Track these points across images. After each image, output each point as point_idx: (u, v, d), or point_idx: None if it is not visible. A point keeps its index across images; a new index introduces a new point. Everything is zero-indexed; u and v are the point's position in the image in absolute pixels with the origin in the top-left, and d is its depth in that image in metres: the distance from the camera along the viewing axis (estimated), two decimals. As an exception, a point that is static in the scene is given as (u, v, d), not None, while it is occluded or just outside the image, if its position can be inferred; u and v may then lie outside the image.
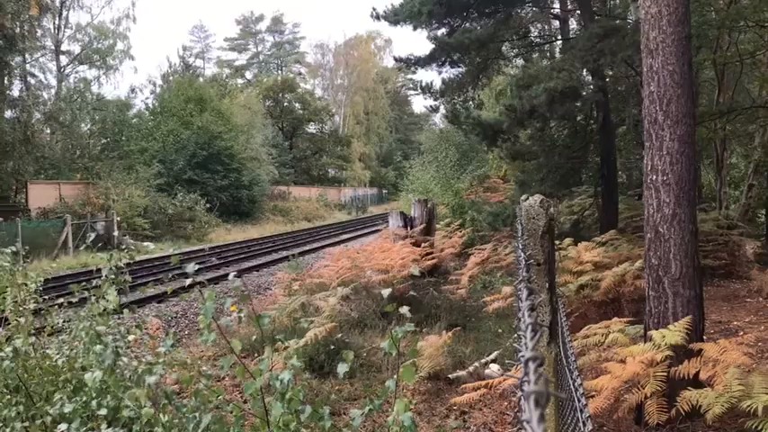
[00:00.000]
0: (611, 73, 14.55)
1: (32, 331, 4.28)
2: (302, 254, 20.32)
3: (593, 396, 4.67)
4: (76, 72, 37.26)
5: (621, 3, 17.36)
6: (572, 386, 2.17)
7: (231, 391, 6.87)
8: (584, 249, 10.18)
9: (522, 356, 0.97)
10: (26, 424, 3.72)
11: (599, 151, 14.75)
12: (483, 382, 5.89)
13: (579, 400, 2.14)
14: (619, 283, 8.59)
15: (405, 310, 2.20)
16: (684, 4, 5.54)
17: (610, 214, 14.08)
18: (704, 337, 5.77)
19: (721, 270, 11.51)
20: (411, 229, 13.79)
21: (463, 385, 6.25)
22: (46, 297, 4.72)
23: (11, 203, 27.71)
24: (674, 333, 4.95)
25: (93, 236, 7.37)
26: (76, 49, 36.96)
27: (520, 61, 20.06)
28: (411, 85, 68.92)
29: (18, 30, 28.16)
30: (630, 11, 16.32)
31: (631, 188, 18.18)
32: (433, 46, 15.24)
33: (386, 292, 2.44)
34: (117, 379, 3.48)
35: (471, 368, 7.15)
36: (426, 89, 16.19)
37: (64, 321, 4.60)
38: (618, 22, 13.74)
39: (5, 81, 30.02)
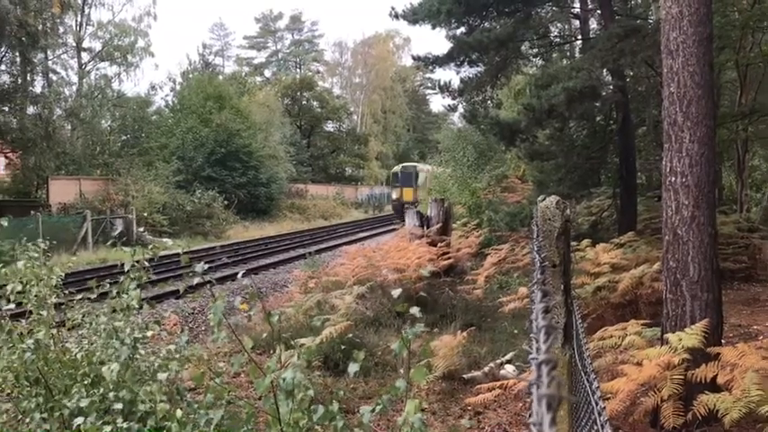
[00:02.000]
0: (631, 73, 14.43)
1: (53, 325, 4.34)
2: (319, 252, 20.37)
3: (608, 398, 4.64)
4: (97, 69, 37.62)
5: (643, 2, 17.21)
6: (588, 389, 2.15)
7: (247, 388, 6.90)
8: (602, 251, 10.11)
9: (535, 359, 0.97)
10: (45, 416, 3.78)
11: (618, 152, 14.63)
12: (498, 383, 5.88)
13: (597, 404, 2.12)
14: (636, 286, 8.52)
15: (415, 310, 2.19)
16: (706, 4, 5.49)
17: (628, 216, 13.97)
18: (723, 341, 5.72)
19: (741, 273, 11.38)
20: (427, 228, 13.78)
21: (478, 386, 6.24)
22: (66, 291, 4.77)
23: (32, 198, 28.07)
24: (691, 336, 4.90)
25: (119, 229, 7.45)
26: (98, 46, 37.31)
27: (539, 61, 19.95)
28: (429, 84, 68.96)
29: (40, 27, 28.49)
30: (652, 10, 16.17)
31: (651, 189, 18.01)
32: (452, 45, 15.20)
33: (396, 292, 2.44)
34: (133, 373, 3.52)
35: (486, 369, 7.13)
36: (444, 88, 16.15)
37: (83, 316, 4.65)
38: (639, 21, 13.62)
39: (28, 78, 30.40)
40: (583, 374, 2.45)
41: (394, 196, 39.51)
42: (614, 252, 10.08)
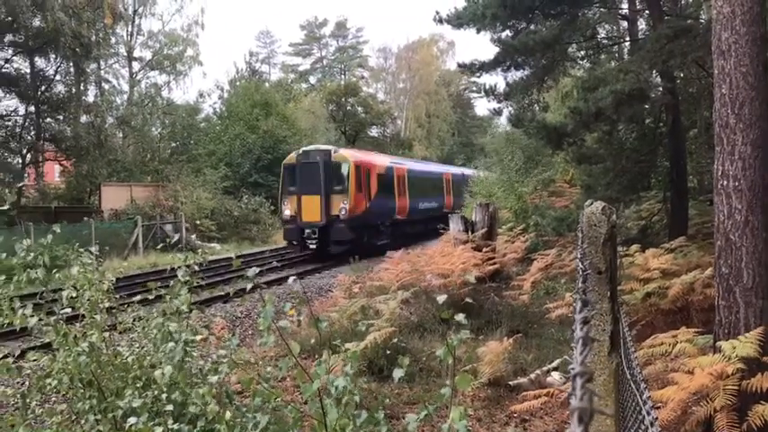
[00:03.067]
0: (681, 75, 14.10)
1: (105, 328, 4.46)
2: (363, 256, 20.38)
3: (658, 407, 4.54)
4: (148, 78, 38.69)
5: (694, 2, 16.81)
6: (639, 399, 2.11)
7: (292, 392, 6.97)
8: (652, 256, 9.89)
9: (572, 369, 0.96)
10: (98, 417, 3.88)
11: (668, 155, 14.31)
12: (544, 390, 5.82)
13: (648, 414, 2.08)
14: (688, 292, 8.31)
15: (461, 317, 2.19)
16: (759, 3, 5.34)
17: (679, 220, 13.63)
18: (779, 350, 5.53)
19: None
20: (472, 233, 13.68)
21: (524, 393, 6.17)
22: (117, 296, 4.90)
23: (85, 205, 28.91)
24: (745, 344, 4.76)
25: (176, 237, 7.60)
26: (148, 55, 38.34)
27: (586, 63, 19.66)
28: (474, 88, 68.49)
29: (93, 37, 29.37)
30: (703, 10, 15.78)
31: (702, 193, 17.54)
32: (498, 50, 15.09)
33: (441, 298, 2.44)
34: (185, 376, 3.59)
35: (532, 375, 7.05)
36: (490, 92, 16.03)
37: (134, 320, 4.77)
38: (689, 21, 13.30)
39: (81, 87, 31.37)
40: (632, 383, 2.40)
41: (287, 213, 21.97)
42: (664, 257, 9.85)
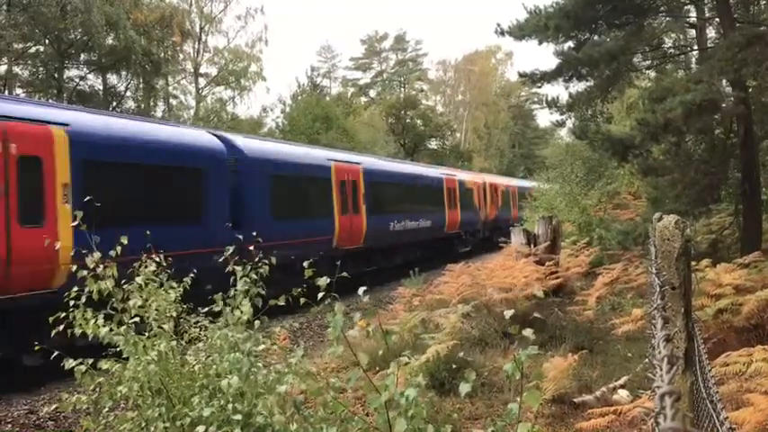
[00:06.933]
0: (754, 83, 13.62)
1: (172, 338, 4.56)
2: (422, 269, 20.31)
3: (733, 429, 4.36)
4: (213, 93, 39.76)
5: (767, 8, 16.24)
6: (716, 419, 2.03)
7: (353, 404, 6.98)
8: (724, 271, 9.53)
9: (658, 388, 0.93)
10: (167, 425, 3.97)
11: (740, 167, 13.81)
12: (611, 408, 5.68)
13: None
14: (763, 308, 7.96)
15: (529, 332, 2.16)
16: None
17: (752, 234, 13.12)
18: None
19: None
20: (534, 246, 13.47)
21: (589, 410, 6.03)
22: (183, 306, 5.00)
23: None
24: (828, 366, 4.54)
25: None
26: (213, 71, 39.45)
27: (652, 73, 19.20)
28: (536, 99, 67.93)
29: (162, 55, 30.45)
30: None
31: (778, 206, 16.85)
32: (560, 60, 14.90)
33: (508, 313, 2.41)
34: (251, 385, 3.64)
35: (598, 393, 6.87)
36: (552, 103, 15.83)
37: (200, 329, 4.87)
38: (762, 29, 12.85)
39: (150, 102, 32.52)
40: (708, 403, 2.32)
41: None
42: (737, 272, 9.47)
